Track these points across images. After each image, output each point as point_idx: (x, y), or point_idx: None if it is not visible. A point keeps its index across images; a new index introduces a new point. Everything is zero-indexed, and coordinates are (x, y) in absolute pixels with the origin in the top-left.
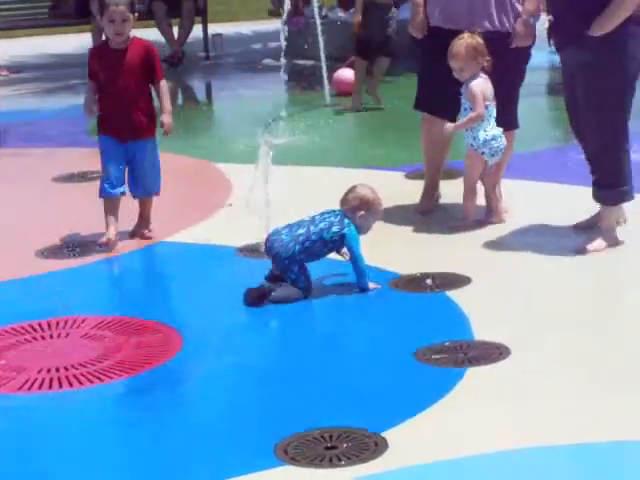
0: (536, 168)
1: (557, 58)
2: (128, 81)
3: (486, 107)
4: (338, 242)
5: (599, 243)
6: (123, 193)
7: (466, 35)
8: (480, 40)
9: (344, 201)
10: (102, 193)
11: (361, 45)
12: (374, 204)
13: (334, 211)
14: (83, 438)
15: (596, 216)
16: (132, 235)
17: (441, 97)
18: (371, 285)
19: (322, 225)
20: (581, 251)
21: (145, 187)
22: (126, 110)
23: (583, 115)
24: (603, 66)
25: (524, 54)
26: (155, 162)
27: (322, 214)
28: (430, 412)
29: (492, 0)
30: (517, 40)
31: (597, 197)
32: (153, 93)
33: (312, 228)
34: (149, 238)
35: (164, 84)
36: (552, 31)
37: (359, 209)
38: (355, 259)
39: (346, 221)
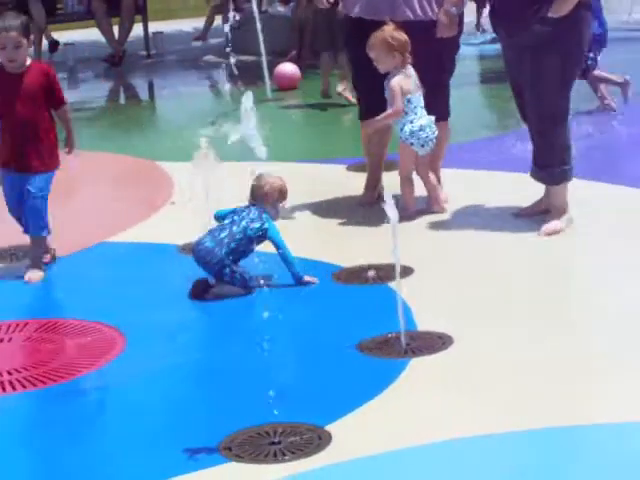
0: (475, 157)
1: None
2: (25, 108)
3: (409, 100)
4: (262, 237)
5: (555, 225)
6: None
7: (386, 27)
8: (397, 34)
9: (259, 195)
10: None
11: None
12: (284, 189)
13: (248, 207)
14: (26, 440)
15: (536, 204)
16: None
17: (374, 91)
18: (307, 278)
19: (244, 224)
20: (539, 234)
21: (28, 226)
22: (19, 140)
23: (529, 96)
24: (554, 47)
25: (451, 44)
26: (41, 202)
27: (238, 213)
28: (374, 404)
29: None
30: (441, 30)
31: (538, 177)
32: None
33: (235, 229)
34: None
35: (67, 110)
36: (495, 16)
37: (277, 199)
38: (282, 250)
39: (264, 216)
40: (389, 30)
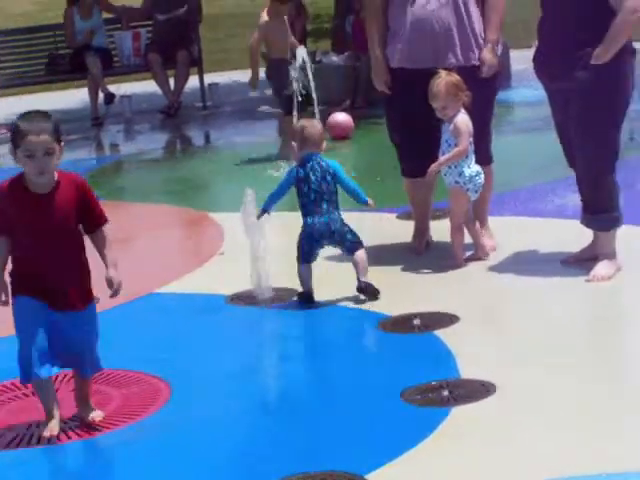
0: (523, 204)
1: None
2: (59, 236)
3: (470, 142)
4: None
5: (602, 270)
6: (58, 371)
7: (443, 73)
8: (457, 77)
9: (314, 142)
10: (26, 376)
11: (289, 103)
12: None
13: (310, 160)
14: None
15: (584, 251)
16: (81, 421)
17: (417, 141)
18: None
19: (328, 178)
20: (589, 280)
21: (78, 366)
22: (53, 276)
23: (576, 143)
24: (599, 93)
25: (491, 87)
26: (96, 336)
27: (313, 173)
28: (414, 453)
29: (455, 35)
30: (485, 69)
31: (588, 223)
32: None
33: (325, 187)
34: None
35: (107, 231)
36: (541, 61)
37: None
38: (348, 181)
39: (326, 160)
40: (447, 74)
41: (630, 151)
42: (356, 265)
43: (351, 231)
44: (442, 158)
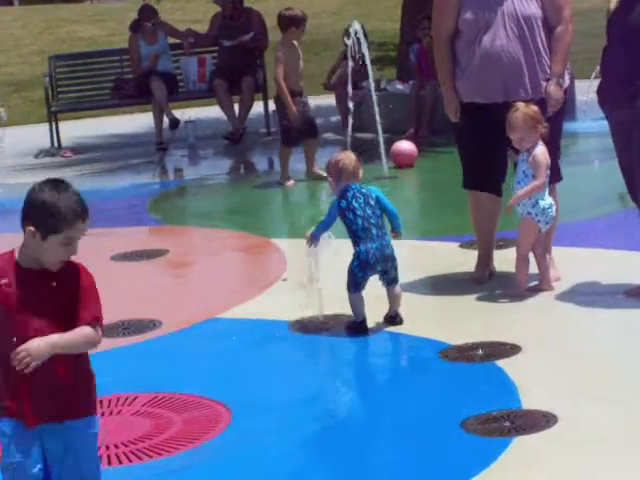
0: (587, 236)
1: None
2: (48, 326)
3: (546, 175)
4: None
5: None
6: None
7: (521, 105)
8: (535, 108)
9: (351, 173)
10: None
11: (287, 134)
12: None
13: (349, 190)
14: None
15: None
16: None
17: (488, 173)
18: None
19: (371, 202)
20: None
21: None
22: (49, 381)
23: (638, 174)
24: None
25: (559, 113)
26: (95, 440)
27: (360, 204)
28: None
29: (525, 69)
30: (552, 103)
31: None
32: None
33: (370, 212)
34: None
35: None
36: (604, 90)
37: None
38: (390, 205)
39: (365, 187)
40: (525, 106)
41: None
42: (396, 297)
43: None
44: (521, 191)
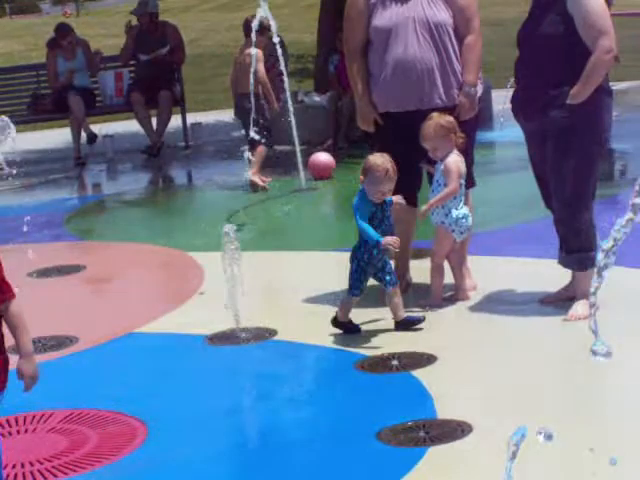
0: (502, 245)
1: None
2: None
3: (460, 185)
4: None
5: (580, 309)
6: None
7: (435, 115)
8: (449, 118)
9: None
10: None
11: (267, 133)
12: (371, 170)
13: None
14: None
15: (563, 290)
16: None
17: (403, 182)
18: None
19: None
20: (567, 319)
21: None
22: None
23: (552, 183)
24: (575, 133)
25: (472, 123)
26: None
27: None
28: None
29: (438, 76)
30: (462, 112)
31: (566, 263)
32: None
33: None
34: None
35: (16, 308)
36: (518, 101)
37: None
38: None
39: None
40: (438, 116)
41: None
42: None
43: None
44: (433, 199)
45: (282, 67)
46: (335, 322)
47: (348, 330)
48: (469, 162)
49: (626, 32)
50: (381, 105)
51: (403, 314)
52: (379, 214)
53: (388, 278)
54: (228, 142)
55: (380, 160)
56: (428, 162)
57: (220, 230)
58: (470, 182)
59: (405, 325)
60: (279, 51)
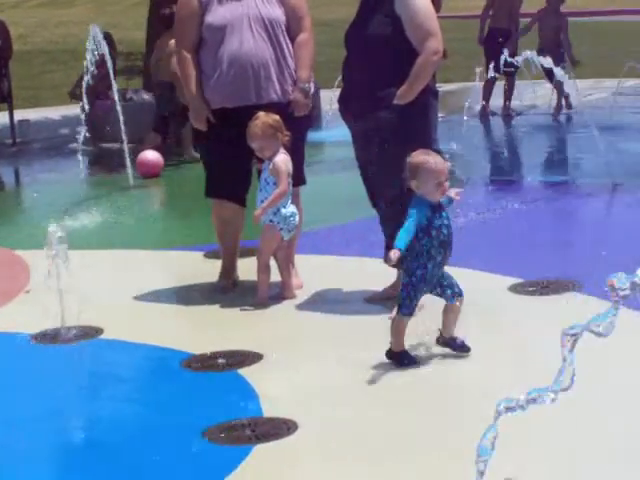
0: (328, 243)
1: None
2: None
3: (289, 183)
4: None
5: None
6: None
7: (261, 115)
8: (276, 117)
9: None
10: None
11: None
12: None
13: None
14: None
15: (388, 289)
16: None
17: (231, 181)
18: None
19: None
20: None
21: None
22: None
23: (377, 180)
24: (400, 133)
25: (305, 121)
26: None
27: None
28: None
29: (273, 71)
30: (297, 109)
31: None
32: None
33: None
34: None
35: None
36: (345, 101)
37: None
38: None
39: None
40: (265, 115)
41: None
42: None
43: None
44: (266, 202)
45: (109, 65)
46: (389, 354)
47: (403, 364)
48: (300, 159)
49: (453, 35)
50: (215, 102)
51: (452, 332)
52: (436, 221)
53: (449, 292)
54: (56, 139)
55: (422, 155)
56: (258, 160)
57: (44, 227)
58: (301, 180)
59: (447, 344)
60: (106, 49)
